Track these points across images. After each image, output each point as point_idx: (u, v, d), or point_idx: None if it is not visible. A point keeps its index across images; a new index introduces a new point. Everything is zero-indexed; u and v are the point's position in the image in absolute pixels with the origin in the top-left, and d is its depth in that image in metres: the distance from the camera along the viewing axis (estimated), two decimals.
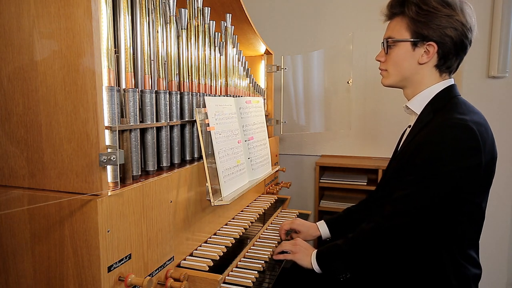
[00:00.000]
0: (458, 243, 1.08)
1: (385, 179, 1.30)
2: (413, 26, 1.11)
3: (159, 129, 1.08)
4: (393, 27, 1.17)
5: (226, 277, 1.14)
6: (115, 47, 0.92)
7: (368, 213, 1.37)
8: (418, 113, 1.16)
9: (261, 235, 1.50)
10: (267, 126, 1.75)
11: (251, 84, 1.90)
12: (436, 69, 1.14)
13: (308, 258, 1.20)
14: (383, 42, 1.20)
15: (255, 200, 1.82)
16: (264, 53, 2.26)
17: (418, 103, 1.16)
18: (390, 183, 1.22)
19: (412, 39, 1.11)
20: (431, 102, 1.13)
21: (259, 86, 2.07)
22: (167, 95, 1.08)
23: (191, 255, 1.15)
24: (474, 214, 1.09)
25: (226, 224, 1.42)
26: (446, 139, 1.00)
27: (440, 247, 1.08)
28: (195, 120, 1.19)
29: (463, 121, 1.00)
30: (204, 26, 1.33)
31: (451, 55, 1.10)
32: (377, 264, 1.12)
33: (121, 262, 0.83)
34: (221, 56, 1.49)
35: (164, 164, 1.09)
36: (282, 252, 1.28)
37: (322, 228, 1.43)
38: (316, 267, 1.17)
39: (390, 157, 1.33)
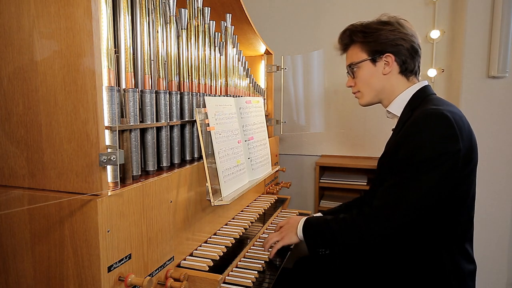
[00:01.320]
0: (452, 237, 1.09)
1: (374, 180, 1.33)
2: (366, 47, 1.24)
3: (159, 129, 1.08)
4: (350, 55, 1.30)
5: (226, 277, 1.14)
6: (115, 47, 0.92)
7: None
8: (399, 115, 1.22)
9: (261, 235, 1.50)
10: (267, 126, 1.75)
11: (251, 84, 1.90)
12: (402, 75, 1.24)
13: (294, 229, 1.24)
14: (347, 71, 1.33)
15: (255, 200, 1.82)
16: (264, 53, 2.26)
17: (397, 106, 1.24)
18: (378, 183, 1.24)
19: (370, 57, 1.24)
20: (409, 103, 1.20)
21: (259, 86, 2.07)
22: (167, 95, 1.08)
23: (191, 255, 1.15)
24: (463, 206, 1.09)
25: (226, 224, 1.42)
26: (424, 128, 1.04)
27: (432, 240, 1.09)
28: (195, 120, 1.19)
29: (437, 110, 1.04)
30: (204, 26, 1.33)
31: (408, 59, 1.21)
32: (365, 251, 1.14)
33: (121, 262, 0.83)
34: (221, 56, 1.49)
35: (164, 164, 1.09)
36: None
37: None
38: (300, 235, 1.21)
39: None
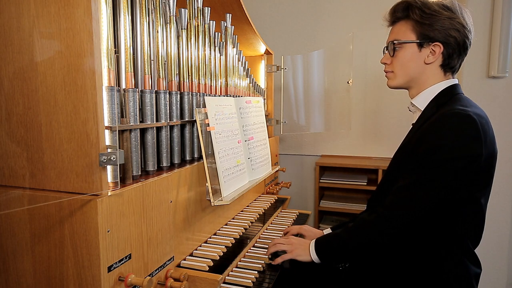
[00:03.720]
0: (460, 240, 1.08)
1: (387, 174, 1.29)
2: (418, 28, 1.14)
3: (159, 129, 1.08)
4: (397, 31, 1.19)
5: (226, 277, 1.14)
6: (115, 47, 0.92)
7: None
8: (422, 109, 1.17)
9: (261, 235, 1.50)
10: (267, 126, 1.75)
11: (251, 84, 1.90)
12: (441, 68, 1.16)
13: (307, 251, 1.20)
14: (386, 47, 1.23)
15: (255, 200, 1.82)
16: (264, 53, 2.26)
17: (423, 100, 1.18)
18: (392, 177, 1.21)
19: (418, 41, 1.14)
20: (435, 98, 1.15)
21: (259, 86, 2.07)
22: (167, 95, 1.08)
23: (191, 255, 1.15)
24: (474, 210, 1.08)
25: (226, 224, 1.42)
26: (448, 127, 1.01)
27: (441, 242, 1.07)
28: (195, 120, 1.19)
29: (464, 111, 1.01)
30: (204, 26, 1.33)
31: (455, 55, 1.13)
32: (376, 254, 1.11)
33: (121, 262, 0.83)
34: (221, 56, 1.49)
35: (164, 164, 1.09)
36: (276, 255, 1.27)
37: None
38: (315, 257, 1.17)
39: (391, 157, 1.33)
